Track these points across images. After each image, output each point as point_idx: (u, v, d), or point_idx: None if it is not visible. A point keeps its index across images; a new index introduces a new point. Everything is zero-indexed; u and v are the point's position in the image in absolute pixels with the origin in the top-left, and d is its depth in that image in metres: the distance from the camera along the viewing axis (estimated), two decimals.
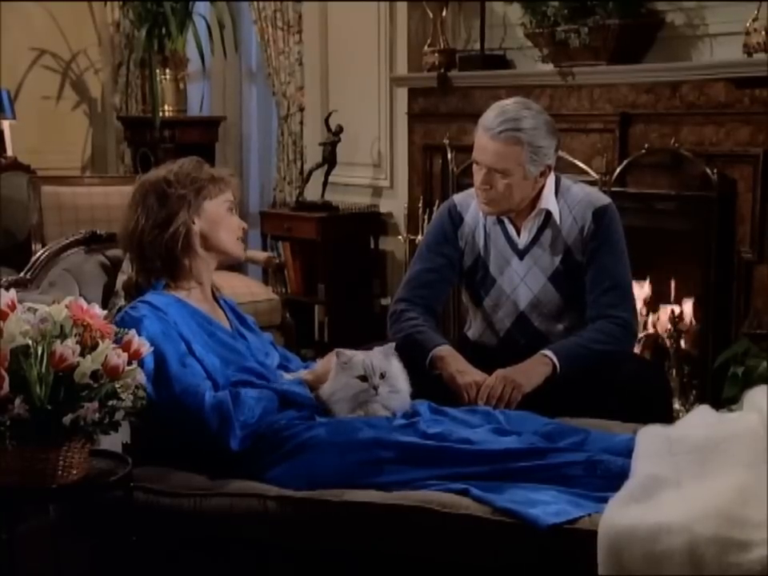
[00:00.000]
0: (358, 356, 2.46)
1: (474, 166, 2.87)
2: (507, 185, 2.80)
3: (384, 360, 2.47)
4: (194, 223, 2.50)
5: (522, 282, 2.92)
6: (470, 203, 2.99)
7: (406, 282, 3.04)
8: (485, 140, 2.81)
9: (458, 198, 3.06)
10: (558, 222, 2.88)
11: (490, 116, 2.82)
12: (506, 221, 2.94)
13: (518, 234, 2.92)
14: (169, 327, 2.39)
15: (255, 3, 5.59)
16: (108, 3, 6.41)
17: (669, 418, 2.81)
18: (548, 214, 2.89)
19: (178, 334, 2.39)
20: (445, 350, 2.83)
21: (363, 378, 2.44)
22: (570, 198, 2.90)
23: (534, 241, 2.91)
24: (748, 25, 3.53)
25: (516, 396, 2.70)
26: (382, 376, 2.44)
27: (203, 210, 2.51)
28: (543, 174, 2.83)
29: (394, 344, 2.55)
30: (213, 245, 2.54)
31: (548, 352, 2.78)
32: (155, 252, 2.49)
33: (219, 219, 2.53)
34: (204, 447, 2.34)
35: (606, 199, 2.95)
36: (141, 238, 2.49)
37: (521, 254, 2.92)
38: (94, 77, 6.64)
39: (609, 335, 2.81)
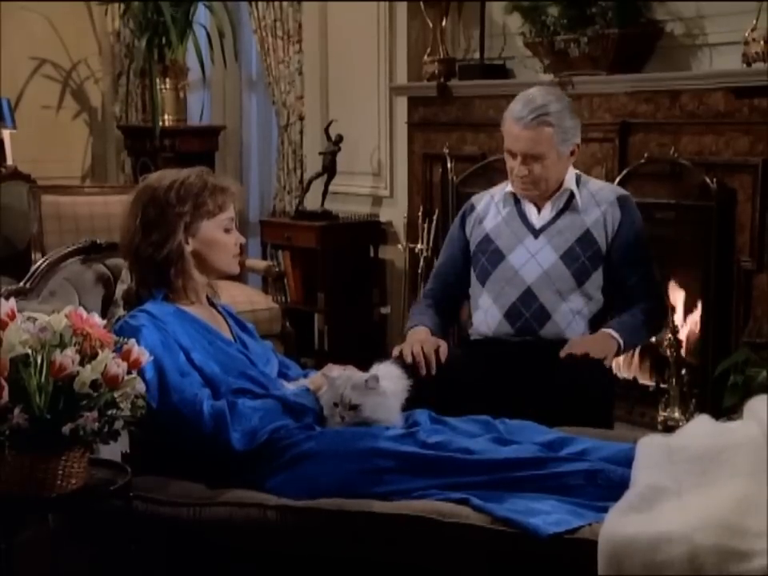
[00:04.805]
0: (340, 379, 2.45)
1: (507, 156, 3.02)
2: (544, 167, 2.97)
3: (359, 392, 2.42)
4: (187, 243, 2.48)
5: (533, 258, 3.02)
6: (483, 197, 3.19)
7: (433, 271, 3.33)
8: (517, 130, 2.96)
9: (476, 195, 3.26)
10: (580, 204, 3.03)
11: (518, 107, 2.97)
12: (525, 201, 3.08)
13: (539, 212, 3.06)
14: (167, 337, 2.39)
15: (255, 13, 5.60)
16: (108, 12, 6.42)
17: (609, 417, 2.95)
18: (570, 196, 3.04)
19: (176, 344, 2.39)
20: (416, 331, 3.02)
21: (337, 405, 2.43)
22: (591, 186, 3.10)
23: (553, 220, 3.04)
24: (747, 35, 3.53)
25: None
26: (353, 407, 2.42)
27: (199, 230, 2.49)
28: (573, 153, 3.02)
29: (374, 376, 2.48)
30: (206, 264, 2.53)
31: (612, 331, 2.94)
32: (149, 269, 2.49)
33: (215, 241, 2.51)
34: (202, 456, 2.34)
35: (623, 189, 3.21)
36: (137, 252, 2.49)
37: (536, 233, 3.05)
38: (95, 86, 6.66)
39: (651, 313, 3.04)
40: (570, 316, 2.97)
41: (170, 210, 2.47)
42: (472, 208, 3.18)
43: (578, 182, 3.07)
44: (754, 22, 3.52)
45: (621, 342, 2.92)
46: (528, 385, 2.81)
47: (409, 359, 2.86)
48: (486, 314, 3.06)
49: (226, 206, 2.53)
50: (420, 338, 2.99)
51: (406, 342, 2.98)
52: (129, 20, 6.27)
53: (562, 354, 2.85)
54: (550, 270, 2.99)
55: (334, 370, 2.54)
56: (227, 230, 2.54)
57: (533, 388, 2.79)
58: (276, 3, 5.50)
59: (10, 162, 5.80)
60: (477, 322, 3.10)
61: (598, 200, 3.04)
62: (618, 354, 2.97)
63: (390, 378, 2.53)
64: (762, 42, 3.50)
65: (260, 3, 5.57)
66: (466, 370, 2.92)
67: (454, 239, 3.20)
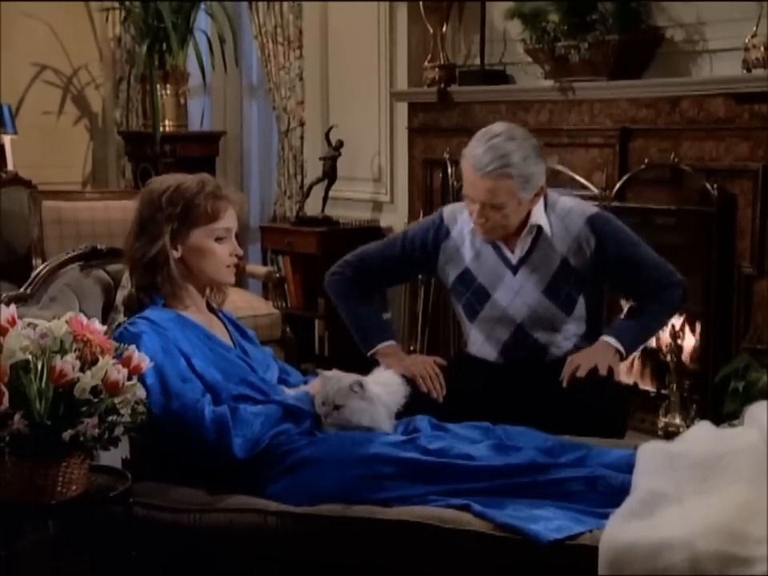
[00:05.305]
0: (332, 379, 2.47)
1: (466, 198, 2.87)
2: (503, 215, 2.83)
3: (344, 393, 2.44)
4: (176, 250, 2.47)
5: (517, 295, 2.93)
6: (456, 218, 3.01)
7: (366, 252, 3.15)
8: (475, 179, 2.80)
9: (447, 211, 3.07)
10: (550, 234, 2.90)
11: (478, 153, 2.78)
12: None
13: (512, 251, 2.94)
14: (168, 343, 2.38)
15: (256, 18, 5.61)
16: (109, 18, 6.43)
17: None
18: (539, 228, 2.91)
19: (177, 350, 2.39)
20: (388, 348, 2.98)
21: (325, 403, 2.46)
22: (559, 209, 2.93)
23: (527, 256, 2.92)
24: (747, 41, 3.54)
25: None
26: (336, 407, 2.44)
27: (188, 237, 2.48)
28: (537, 195, 2.86)
29: (358, 381, 2.50)
30: (196, 273, 2.51)
31: (610, 339, 2.86)
32: (141, 273, 2.49)
33: (204, 250, 2.49)
34: (204, 462, 2.34)
35: (593, 207, 3.03)
36: (132, 255, 2.49)
37: (514, 269, 2.94)
38: (95, 92, 6.67)
39: (662, 302, 2.92)
40: (565, 341, 2.93)
41: (159, 213, 2.46)
42: (447, 233, 2.99)
43: (545, 204, 2.91)
44: (754, 28, 3.52)
45: (621, 348, 2.86)
46: (532, 400, 2.77)
47: (434, 392, 2.83)
48: (480, 350, 3.01)
49: (221, 215, 2.50)
50: (417, 359, 2.99)
51: (404, 364, 2.89)
52: (129, 26, 6.28)
53: (566, 374, 2.78)
54: (536, 306, 2.90)
55: (329, 372, 2.54)
56: (219, 239, 2.51)
57: (537, 403, 2.75)
58: (276, 9, 5.51)
59: (10, 167, 5.80)
60: (471, 351, 3.06)
61: (567, 225, 2.89)
62: (622, 359, 2.91)
63: (387, 385, 2.54)
64: (762, 48, 3.50)
65: (260, 9, 5.58)
66: (469, 383, 2.90)
67: (418, 251, 3.01)
